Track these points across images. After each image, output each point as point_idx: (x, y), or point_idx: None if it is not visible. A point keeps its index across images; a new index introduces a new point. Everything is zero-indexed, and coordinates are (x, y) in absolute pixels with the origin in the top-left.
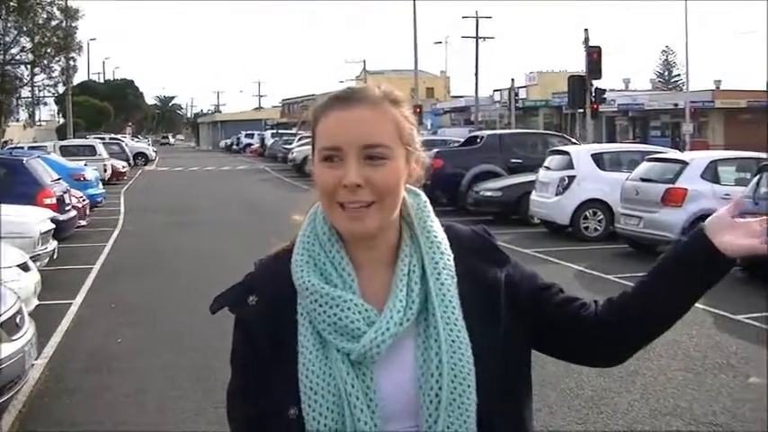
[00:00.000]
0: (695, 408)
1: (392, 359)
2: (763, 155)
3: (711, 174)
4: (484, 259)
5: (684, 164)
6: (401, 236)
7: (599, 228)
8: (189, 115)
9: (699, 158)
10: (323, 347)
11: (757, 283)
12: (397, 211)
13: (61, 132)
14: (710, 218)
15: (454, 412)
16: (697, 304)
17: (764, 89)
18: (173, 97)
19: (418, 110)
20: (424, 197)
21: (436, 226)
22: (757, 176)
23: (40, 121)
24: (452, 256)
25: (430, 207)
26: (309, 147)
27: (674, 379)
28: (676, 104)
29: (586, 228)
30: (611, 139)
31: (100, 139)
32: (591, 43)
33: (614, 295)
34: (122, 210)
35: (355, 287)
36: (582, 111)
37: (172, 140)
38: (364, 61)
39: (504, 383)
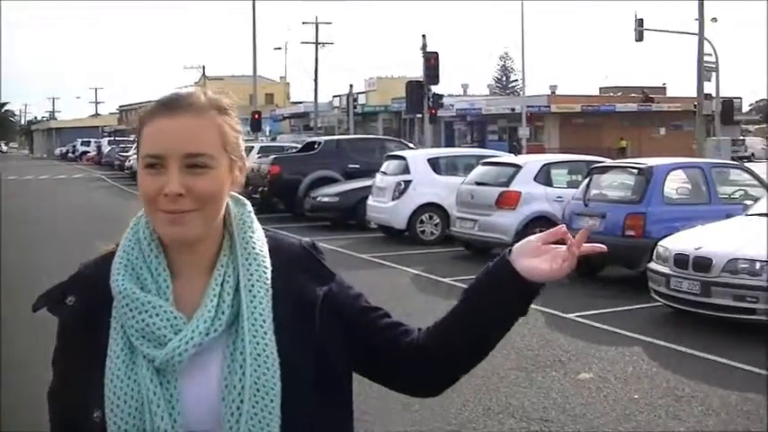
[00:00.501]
0: (527, 405)
1: (199, 369)
2: (593, 158)
3: (544, 177)
4: (305, 274)
5: (518, 167)
6: (222, 245)
7: (435, 231)
8: (22, 122)
9: (532, 162)
10: (131, 353)
11: (587, 282)
12: (219, 219)
13: None
14: (519, 243)
15: (255, 427)
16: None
17: (597, 94)
18: (5, 103)
19: (257, 116)
20: (249, 207)
21: (257, 237)
22: (587, 179)
23: None
24: (270, 268)
25: (253, 218)
26: None
27: (507, 377)
28: (513, 109)
29: (423, 232)
30: (450, 144)
31: None
32: (429, 49)
33: (438, 321)
34: None
35: (169, 294)
36: (420, 116)
37: (4, 148)
38: (203, 67)
39: (314, 400)
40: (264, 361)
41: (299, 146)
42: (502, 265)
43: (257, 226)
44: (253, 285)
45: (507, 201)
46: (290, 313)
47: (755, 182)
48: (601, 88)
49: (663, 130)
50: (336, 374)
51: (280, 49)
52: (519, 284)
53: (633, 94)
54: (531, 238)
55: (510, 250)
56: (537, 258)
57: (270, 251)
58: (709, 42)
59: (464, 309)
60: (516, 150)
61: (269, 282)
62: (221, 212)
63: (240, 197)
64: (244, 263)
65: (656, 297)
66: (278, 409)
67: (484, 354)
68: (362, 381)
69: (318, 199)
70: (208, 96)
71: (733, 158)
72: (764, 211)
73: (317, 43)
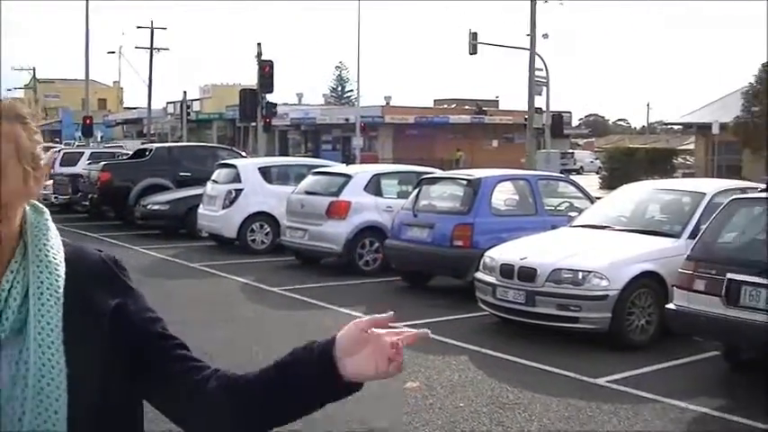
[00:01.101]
0: (354, 413)
1: None
2: (422, 168)
3: (374, 187)
4: (102, 287)
5: (348, 177)
6: (15, 253)
7: (266, 241)
8: None
9: (362, 172)
10: None
11: (416, 292)
12: (14, 228)
13: None
14: (342, 331)
15: None
16: (356, 313)
17: (431, 106)
18: None
19: (89, 121)
20: (47, 215)
21: (52, 245)
22: (417, 189)
23: None
24: (63, 278)
25: (50, 226)
26: None
27: None
28: (348, 119)
29: (253, 241)
30: (284, 153)
31: None
32: (264, 57)
33: (242, 373)
34: None
35: None
36: (254, 124)
37: None
38: (34, 69)
39: (102, 414)
40: (50, 371)
41: (131, 152)
42: (324, 366)
43: (54, 234)
44: (42, 293)
45: (337, 210)
46: (82, 324)
47: (581, 194)
48: (435, 100)
49: (495, 142)
50: (125, 389)
51: (114, 53)
52: (339, 386)
53: (467, 107)
54: (358, 321)
55: (334, 339)
56: (362, 357)
57: (68, 261)
58: (541, 58)
59: (274, 384)
60: (349, 160)
61: (60, 290)
62: (14, 223)
63: (39, 205)
64: (35, 270)
65: (483, 306)
66: (63, 422)
67: (283, 424)
68: None
69: (149, 207)
70: (4, 104)
71: (562, 171)
72: (588, 223)
73: (151, 48)
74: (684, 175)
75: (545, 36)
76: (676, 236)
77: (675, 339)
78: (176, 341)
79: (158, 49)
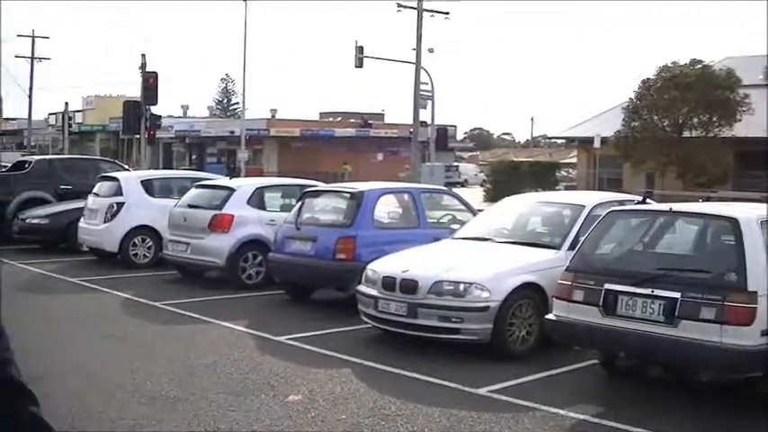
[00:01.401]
0: (236, 428)
1: None
2: (306, 182)
3: (257, 200)
4: None
5: (231, 191)
6: None
7: (148, 255)
8: None
9: (245, 185)
10: None
11: (299, 305)
12: None
13: None
14: None
15: None
16: (239, 327)
17: (316, 119)
18: None
19: None
20: None
21: None
22: (300, 203)
23: None
24: None
25: None
26: None
27: (216, 401)
28: (233, 132)
29: (135, 255)
30: (168, 165)
31: None
32: (148, 69)
33: None
34: None
35: None
36: (138, 136)
37: None
38: None
39: None
40: None
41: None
42: None
43: None
44: None
45: (220, 224)
46: None
47: (463, 207)
48: (321, 113)
49: (380, 156)
50: None
51: None
52: None
53: (352, 120)
54: None
55: None
56: None
57: None
58: (426, 72)
59: None
60: (234, 173)
61: None
62: None
63: None
64: None
65: (366, 319)
66: None
67: None
68: None
69: (28, 221)
70: None
71: (447, 184)
72: (470, 235)
73: (32, 58)
74: (567, 188)
75: (431, 50)
76: (556, 247)
77: (555, 349)
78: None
79: (40, 58)
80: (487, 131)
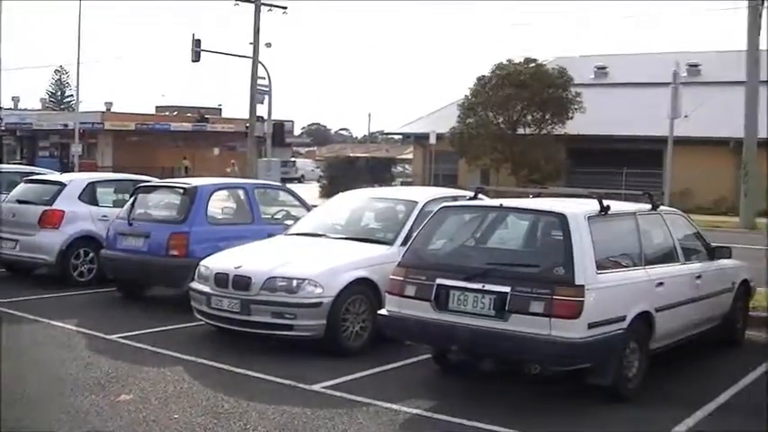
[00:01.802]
0: (63, 429)
1: None
2: (139, 177)
3: (89, 195)
4: None
5: (62, 186)
6: None
7: None
8: None
9: (76, 180)
10: None
11: (131, 303)
12: None
13: None
14: None
15: None
16: (69, 326)
17: (152, 113)
18: None
19: None
20: None
21: None
22: (132, 198)
23: None
24: None
25: None
26: None
27: (42, 403)
28: (66, 125)
29: None
30: None
31: None
32: None
33: None
34: None
35: None
36: None
37: None
38: None
39: None
40: None
41: None
42: None
43: None
44: None
45: (50, 220)
46: None
47: (297, 202)
48: (157, 107)
49: (217, 150)
50: None
51: None
52: None
53: (189, 114)
54: None
55: None
56: None
57: None
58: (264, 66)
59: None
60: (67, 168)
61: None
62: None
63: None
64: None
65: (199, 316)
66: None
67: None
68: None
69: None
70: None
71: (284, 180)
72: (304, 231)
73: None
74: (403, 184)
75: (268, 45)
76: (390, 243)
77: (390, 344)
78: None
79: None
80: (325, 127)
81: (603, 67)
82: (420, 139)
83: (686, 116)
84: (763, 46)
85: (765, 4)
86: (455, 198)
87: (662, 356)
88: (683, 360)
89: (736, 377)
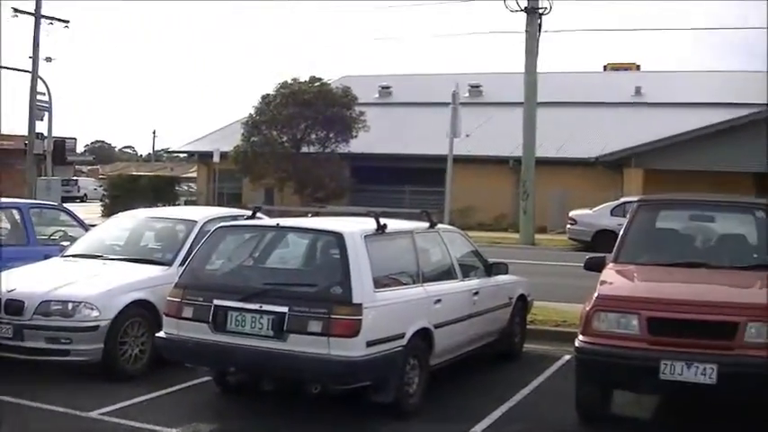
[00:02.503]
0: None
1: None
2: None
3: None
4: None
5: None
6: None
7: None
8: None
9: None
10: None
11: None
12: None
13: None
14: None
15: None
16: None
17: None
18: None
19: None
20: None
21: None
22: None
23: None
24: None
25: None
26: None
27: None
28: None
29: None
30: None
31: None
32: None
33: None
34: None
35: None
36: None
37: None
38: None
39: None
40: None
41: None
42: None
43: None
44: None
45: None
46: None
47: (75, 223)
48: None
49: None
50: None
51: None
52: None
53: None
54: None
55: None
56: None
57: None
58: (44, 81)
59: None
60: None
61: None
62: None
63: None
64: None
65: None
66: None
67: None
68: None
69: None
70: None
71: (65, 199)
72: (81, 252)
73: None
74: (187, 203)
75: (48, 59)
76: (168, 264)
77: (171, 367)
78: None
79: None
80: (109, 144)
81: (388, 87)
82: (204, 158)
83: (468, 135)
84: (539, 69)
85: (541, 31)
86: (235, 217)
87: (443, 371)
88: (464, 375)
89: (513, 390)
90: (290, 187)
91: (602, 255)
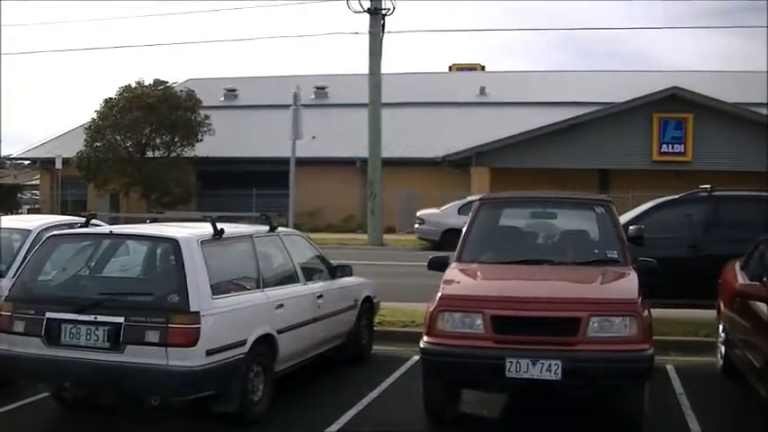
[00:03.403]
0: None
1: None
2: None
3: None
4: None
5: None
6: None
7: None
8: None
9: None
10: None
11: None
12: None
13: None
14: None
15: None
16: None
17: None
18: None
19: None
20: None
21: None
22: None
23: None
24: None
25: None
26: None
27: None
28: None
29: None
30: None
31: None
32: None
33: None
34: None
35: None
36: None
37: None
38: None
39: None
40: None
41: None
42: None
43: None
44: None
45: None
46: None
47: None
48: None
49: None
50: None
51: None
52: None
53: None
54: None
55: None
56: None
57: None
58: None
59: None
60: None
61: None
62: None
63: None
64: None
65: None
66: None
67: None
68: None
69: None
70: None
71: None
72: None
73: None
74: (30, 211)
75: None
76: (2, 275)
77: (12, 386)
78: None
79: None
80: None
81: (233, 90)
82: (46, 164)
83: (314, 137)
84: (384, 70)
85: (384, 32)
86: (71, 225)
87: (291, 377)
88: (312, 379)
89: (362, 393)
90: (137, 192)
91: (446, 254)
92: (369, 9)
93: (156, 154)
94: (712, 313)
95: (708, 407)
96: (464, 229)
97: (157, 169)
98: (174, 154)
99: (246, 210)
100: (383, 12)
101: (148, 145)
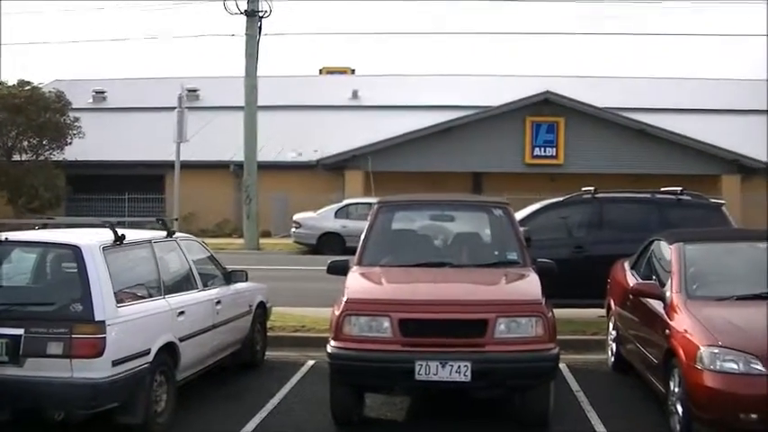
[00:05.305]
0: None
1: None
2: None
3: None
4: None
5: None
6: None
7: None
8: None
9: None
10: None
11: None
12: None
13: None
14: None
15: None
16: None
17: None
18: None
19: None
20: None
21: None
22: None
23: None
24: None
25: None
26: None
27: None
28: None
29: None
30: None
31: None
32: None
33: None
34: None
35: None
36: None
37: None
38: None
39: None
40: None
41: None
42: None
43: None
44: None
45: None
46: None
47: None
48: None
49: None
50: None
51: None
52: None
53: None
54: None
55: None
56: None
57: None
58: None
59: None
60: None
61: None
62: None
63: None
64: None
65: None
66: None
67: None
68: None
69: None
70: None
71: None
72: None
73: None
74: None
75: None
76: None
77: None
78: None
79: None
80: None
81: (102, 92)
82: None
83: (187, 140)
84: (259, 73)
85: (261, 34)
86: None
87: (190, 386)
88: (212, 388)
89: (264, 399)
90: (3, 197)
91: (345, 258)
92: (245, 11)
93: (24, 157)
94: (595, 312)
95: (604, 402)
96: (363, 233)
97: (25, 173)
98: (42, 158)
99: (119, 214)
100: (260, 14)
101: (15, 148)
